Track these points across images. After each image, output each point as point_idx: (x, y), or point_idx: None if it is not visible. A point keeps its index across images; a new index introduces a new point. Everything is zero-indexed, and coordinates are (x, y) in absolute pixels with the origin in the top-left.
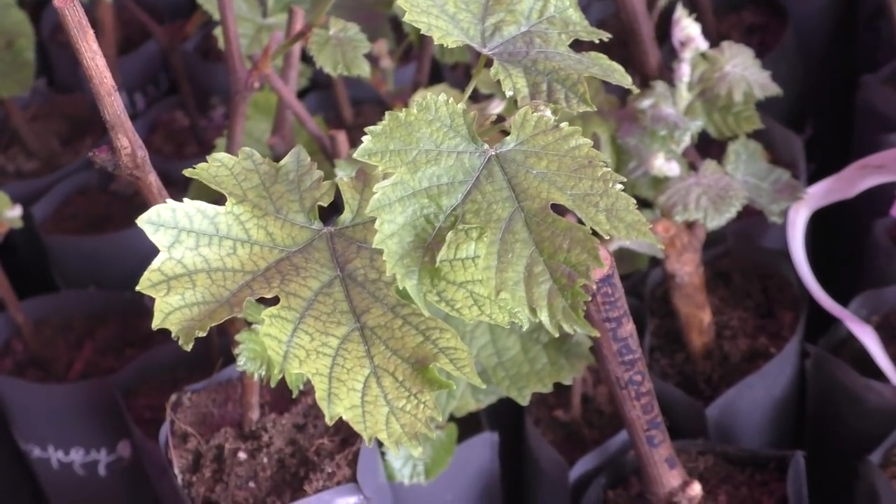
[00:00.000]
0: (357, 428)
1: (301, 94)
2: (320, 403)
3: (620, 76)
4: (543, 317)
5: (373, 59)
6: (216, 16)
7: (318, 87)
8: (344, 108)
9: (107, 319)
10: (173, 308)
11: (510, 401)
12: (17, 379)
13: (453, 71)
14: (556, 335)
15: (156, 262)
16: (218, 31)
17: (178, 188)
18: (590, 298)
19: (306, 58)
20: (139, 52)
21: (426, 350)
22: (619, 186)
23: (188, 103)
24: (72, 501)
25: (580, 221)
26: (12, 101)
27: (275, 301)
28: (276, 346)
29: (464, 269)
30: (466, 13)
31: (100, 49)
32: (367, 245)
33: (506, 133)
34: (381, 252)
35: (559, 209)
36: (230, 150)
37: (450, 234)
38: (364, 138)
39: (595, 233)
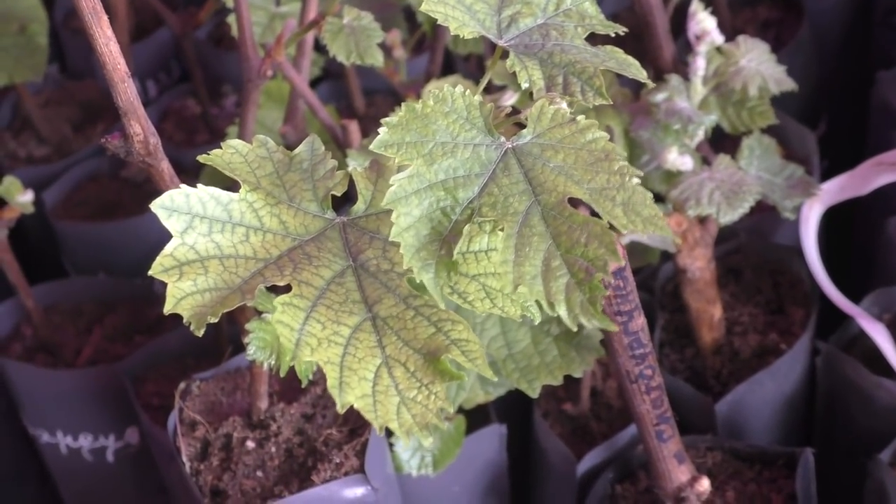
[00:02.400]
0: (368, 417)
1: (313, 84)
2: (332, 391)
3: (636, 70)
4: (561, 311)
5: (385, 49)
6: (229, 3)
7: (330, 77)
8: (356, 98)
9: (116, 306)
10: (185, 293)
11: (519, 393)
12: (27, 364)
13: (466, 62)
14: (575, 329)
15: (168, 248)
16: (231, 19)
17: (190, 175)
18: (608, 293)
19: (318, 47)
20: (151, 39)
21: (438, 341)
22: (636, 180)
23: (200, 91)
24: (80, 487)
25: (596, 215)
26: (25, 87)
27: (286, 290)
28: (288, 333)
29: (476, 262)
30: (483, 4)
31: (114, 35)
32: (380, 235)
33: (520, 126)
34: (393, 243)
35: (574, 202)
36: (242, 138)
37: (466, 228)
38: (380, 130)
39: (611, 226)
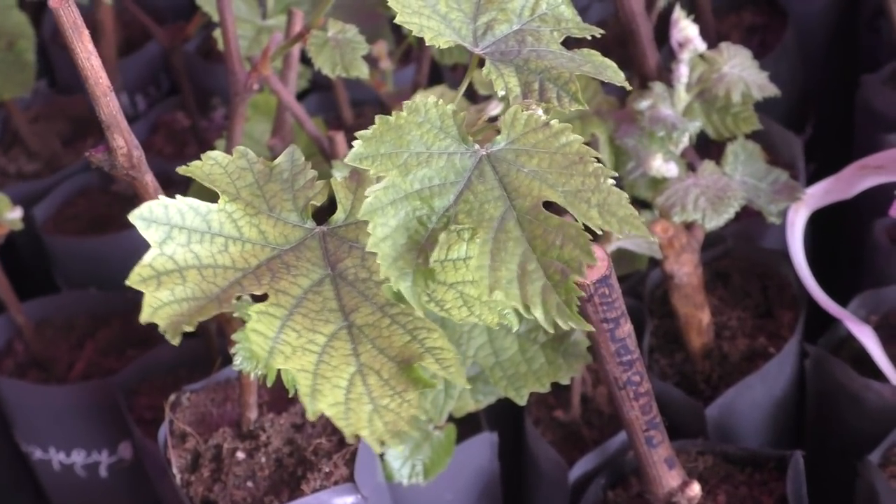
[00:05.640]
0: (339, 425)
1: (301, 96)
2: (303, 399)
3: (613, 73)
4: (538, 314)
5: (372, 60)
6: (216, 17)
7: (318, 89)
8: (344, 110)
9: (108, 320)
10: (162, 303)
11: (509, 401)
12: (19, 380)
13: (453, 72)
14: (552, 331)
15: (146, 258)
16: (218, 33)
17: (180, 189)
18: (583, 294)
19: (306, 59)
20: (140, 53)
21: (412, 349)
22: (611, 181)
23: (189, 104)
24: (73, 503)
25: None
26: (13, 103)
27: (266, 298)
28: (262, 341)
29: (454, 270)
30: (458, 13)
31: (95, 49)
32: (359, 244)
33: (499, 132)
34: (372, 252)
35: (554, 208)
36: (229, 151)
37: (442, 235)
38: (355, 143)
39: (589, 229)
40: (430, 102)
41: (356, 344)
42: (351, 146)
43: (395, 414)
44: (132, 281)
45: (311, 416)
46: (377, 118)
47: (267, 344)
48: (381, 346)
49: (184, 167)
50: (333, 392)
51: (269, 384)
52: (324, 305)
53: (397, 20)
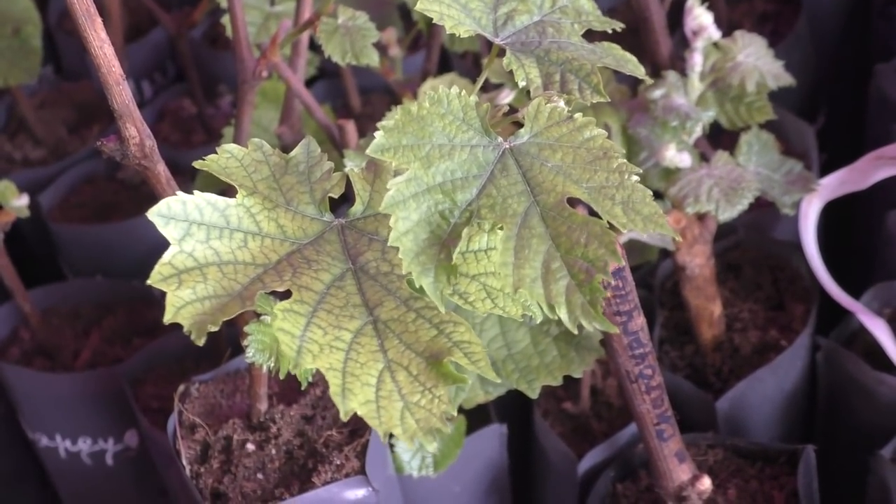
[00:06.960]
0: (372, 423)
1: (308, 83)
2: (334, 399)
3: (634, 66)
4: (562, 313)
5: (381, 47)
6: (223, 3)
7: (325, 76)
8: (352, 97)
9: (114, 308)
10: (185, 302)
11: (518, 393)
12: (25, 368)
13: (462, 59)
14: (575, 332)
15: (166, 256)
16: (226, 19)
17: (186, 176)
18: (608, 294)
19: (314, 46)
20: (146, 39)
21: (440, 344)
22: (636, 178)
23: (195, 91)
24: (79, 491)
25: (594, 214)
26: (19, 89)
27: (286, 294)
28: (290, 340)
29: (476, 262)
30: (478, 2)
31: (108, 37)
32: (379, 237)
33: (518, 125)
34: (394, 246)
35: (573, 202)
36: (238, 139)
37: (465, 230)
38: (376, 134)
39: (610, 226)
40: (453, 94)
41: (382, 340)
42: (361, 134)
43: (427, 411)
44: (153, 280)
45: (343, 416)
46: (399, 108)
47: (295, 343)
48: (408, 342)
49: (200, 161)
50: (364, 390)
51: (281, 377)
52: (347, 301)
53: (418, 7)
